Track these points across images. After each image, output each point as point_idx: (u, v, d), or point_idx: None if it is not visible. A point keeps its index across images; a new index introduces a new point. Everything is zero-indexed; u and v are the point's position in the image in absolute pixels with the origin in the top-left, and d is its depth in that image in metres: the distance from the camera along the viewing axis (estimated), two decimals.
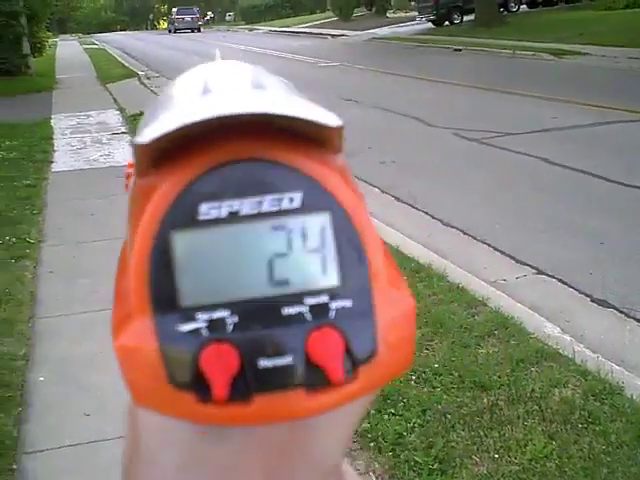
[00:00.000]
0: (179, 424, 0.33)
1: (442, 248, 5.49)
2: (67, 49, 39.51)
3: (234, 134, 0.32)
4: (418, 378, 3.54)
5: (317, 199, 0.33)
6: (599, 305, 4.46)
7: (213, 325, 0.31)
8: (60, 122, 12.63)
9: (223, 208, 0.32)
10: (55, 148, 10.27)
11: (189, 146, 0.32)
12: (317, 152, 0.34)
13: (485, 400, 3.35)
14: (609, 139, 8.70)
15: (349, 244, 0.33)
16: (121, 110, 13.57)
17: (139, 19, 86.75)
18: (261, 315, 0.32)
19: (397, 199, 6.87)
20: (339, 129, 0.32)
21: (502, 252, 5.43)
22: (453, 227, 6.06)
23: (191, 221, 0.32)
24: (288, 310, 0.32)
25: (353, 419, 0.37)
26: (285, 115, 0.31)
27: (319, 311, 0.32)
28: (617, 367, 3.58)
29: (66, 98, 16.15)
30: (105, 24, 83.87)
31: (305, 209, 0.33)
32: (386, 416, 3.26)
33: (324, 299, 0.32)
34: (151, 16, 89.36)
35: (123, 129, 11.53)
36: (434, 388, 3.47)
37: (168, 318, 0.31)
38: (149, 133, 0.31)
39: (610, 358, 3.70)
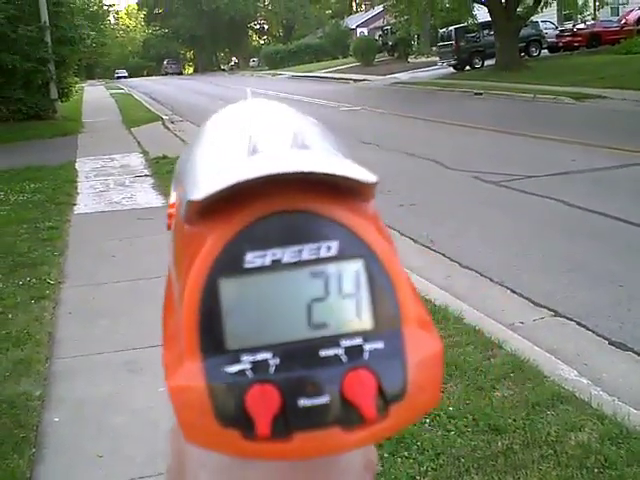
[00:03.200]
0: None
1: (459, 290, 5.47)
2: (94, 94, 40.29)
3: (275, 187, 0.34)
4: (432, 421, 3.51)
5: (352, 247, 0.35)
6: (617, 348, 4.41)
7: (257, 366, 0.34)
8: (84, 165, 12.84)
9: (267, 257, 0.34)
10: (78, 190, 10.43)
11: (234, 198, 0.34)
12: (352, 202, 0.36)
13: (500, 444, 3.31)
14: (629, 182, 8.67)
15: (382, 289, 0.35)
16: (144, 153, 13.78)
17: None
18: (301, 357, 0.34)
19: (415, 241, 6.87)
20: (374, 184, 0.35)
21: (520, 294, 5.40)
22: (471, 269, 6.04)
23: (237, 269, 0.34)
24: (325, 352, 0.34)
25: None
26: (328, 173, 0.34)
27: (354, 353, 0.34)
28: (634, 411, 3.53)
29: (91, 141, 16.44)
30: (132, 69, 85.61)
31: (341, 256, 0.35)
32: (399, 459, 3.23)
33: (358, 341, 0.35)
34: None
35: (146, 172, 11.69)
36: (448, 431, 3.44)
37: (216, 360, 0.34)
38: (204, 190, 0.33)
39: (627, 402, 3.64)
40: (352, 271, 0.35)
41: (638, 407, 3.60)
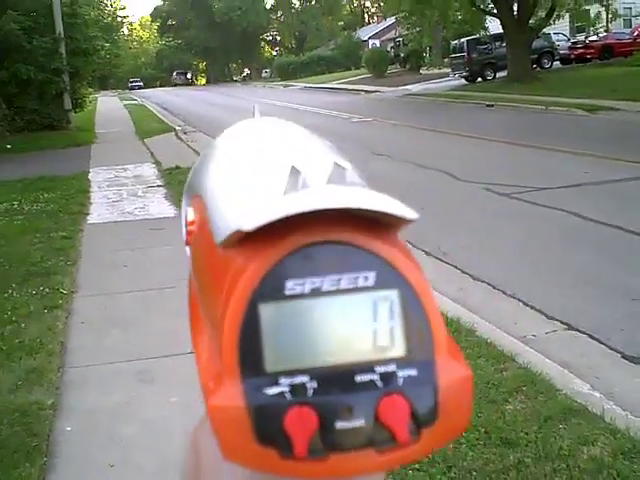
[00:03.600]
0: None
1: (471, 302, 5.46)
2: (107, 104, 40.53)
3: (315, 219, 0.35)
4: None
5: (388, 278, 0.36)
6: (630, 362, 4.38)
7: (295, 389, 0.35)
8: (97, 175, 12.91)
9: (306, 285, 0.35)
10: (91, 201, 10.49)
11: (275, 227, 0.35)
12: (387, 233, 0.37)
13: (512, 457, 3.29)
14: None
15: (415, 318, 0.36)
16: (157, 164, 13.84)
17: None
18: (337, 381, 0.35)
19: (427, 253, 6.86)
20: (413, 220, 0.36)
21: (532, 307, 5.38)
22: (483, 281, 6.03)
23: (278, 295, 0.35)
24: (361, 377, 0.36)
25: None
26: (373, 210, 0.35)
27: (388, 379, 0.36)
28: None
29: (104, 152, 16.53)
30: (145, 80, 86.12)
31: (377, 286, 0.36)
32: (410, 472, 3.21)
33: (392, 368, 0.36)
34: (189, 72, 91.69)
35: (158, 182, 11.75)
36: (460, 444, 3.42)
37: (255, 381, 0.35)
38: (254, 220, 0.34)
39: None
40: (388, 301, 0.36)
41: None
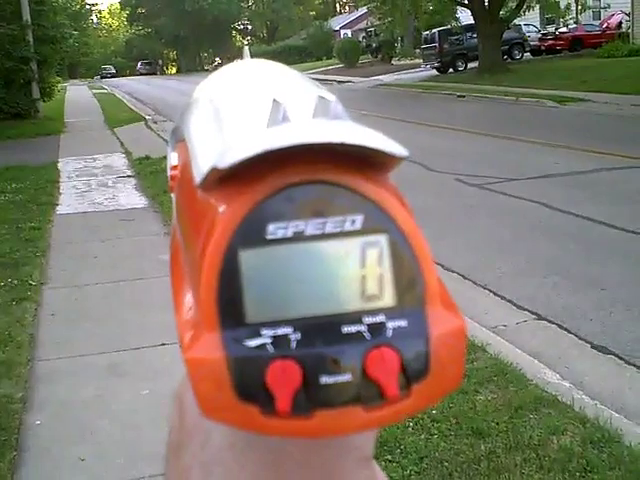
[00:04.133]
0: None
1: None
2: (76, 93, 40.02)
3: (299, 157, 0.33)
4: (416, 425, 3.52)
5: (377, 221, 0.34)
6: (599, 352, 4.44)
7: (278, 341, 0.33)
8: (67, 165, 12.76)
9: (289, 228, 0.33)
10: (61, 191, 10.37)
11: (255, 166, 0.33)
12: (376, 174, 0.35)
13: (483, 447, 3.32)
14: (611, 185, 8.74)
15: (406, 265, 0.34)
16: (127, 153, 13.72)
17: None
18: (322, 332, 0.33)
19: None
20: (404, 158, 0.34)
21: (502, 297, 5.43)
22: (454, 272, 6.05)
23: (258, 240, 0.33)
24: (348, 328, 0.33)
25: None
26: (361, 145, 0.32)
27: (377, 330, 0.33)
28: (616, 414, 3.55)
29: (74, 142, 16.33)
30: (115, 69, 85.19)
31: (365, 231, 0.34)
32: (383, 463, 3.23)
33: (381, 318, 0.33)
34: (160, 62, 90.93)
35: (129, 172, 11.64)
36: (431, 435, 3.45)
37: (235, 333, 0.33)
38: (231, 157, 0.31)
39: (609, 405, 3.67)
40: (376, 246, 0.34)
41: (619, 411, 3.63)
